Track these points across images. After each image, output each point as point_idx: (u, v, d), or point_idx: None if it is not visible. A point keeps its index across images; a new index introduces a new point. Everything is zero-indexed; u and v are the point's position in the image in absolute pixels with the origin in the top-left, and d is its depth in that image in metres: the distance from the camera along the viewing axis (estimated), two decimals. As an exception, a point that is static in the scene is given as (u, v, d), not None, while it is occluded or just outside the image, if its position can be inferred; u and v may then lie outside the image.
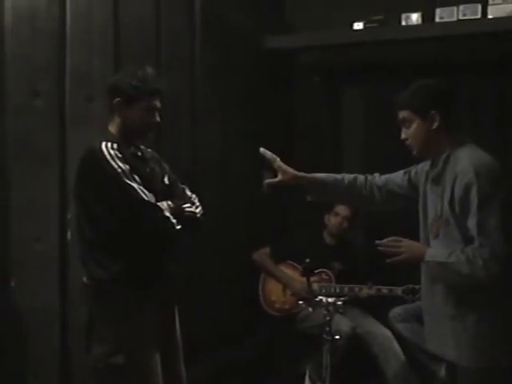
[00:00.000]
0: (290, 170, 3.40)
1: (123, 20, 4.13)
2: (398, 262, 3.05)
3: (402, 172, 3.45)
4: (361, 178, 3.48)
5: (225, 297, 5.17)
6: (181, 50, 4.75)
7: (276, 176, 3.42)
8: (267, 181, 3.39)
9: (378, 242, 3.08)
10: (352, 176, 3.49)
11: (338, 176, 3.50)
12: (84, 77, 3.86)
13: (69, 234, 3.70)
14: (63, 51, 3.74)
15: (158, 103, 3.21)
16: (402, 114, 3.10)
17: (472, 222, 2.87)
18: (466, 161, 2.93)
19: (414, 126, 3.07)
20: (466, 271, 2.84)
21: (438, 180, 3.07)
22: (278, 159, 3.42)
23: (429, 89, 3.11)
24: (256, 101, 5.66)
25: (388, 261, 3.06)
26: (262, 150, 3.40)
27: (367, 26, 5.36)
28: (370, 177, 3.49)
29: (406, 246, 3.06)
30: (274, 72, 5.88)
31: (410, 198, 3.33)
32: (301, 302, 4.48)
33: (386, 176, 3.47)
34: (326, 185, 3.49)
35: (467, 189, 2.87)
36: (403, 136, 3.13)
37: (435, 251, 3.01)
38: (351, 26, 5.43)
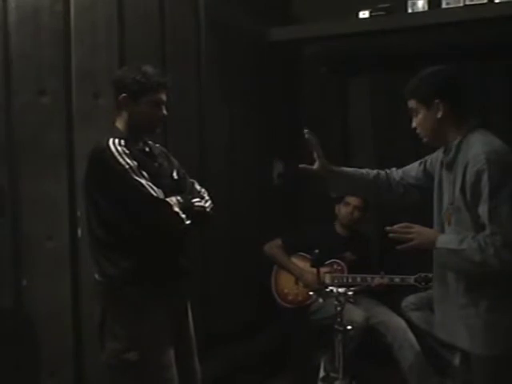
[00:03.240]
0: (327, 163, 3.38)
1: (128, 16, 4.12)
2: (408, 248, 3.03)
3: (417, 163, 3.44)
4: (382, 172, 3.47)
5: (237, 290, 5.17)
6: (186, 45, 4.74)
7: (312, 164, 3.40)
8: (302, 165, 3.34)
9: (388, 228, 3.05)
10: (375, 171, 3.48)
11: (363, 170, 3.49)
12: (90, 74, 3.85)
13: (79, 232, 3.70)
14: (68, 49, 3.74)
15: (163, 97, 3.20)
16: (410, 104, 3.10)
17: (483, 209, 2.84)
18: (478, 147, 2.91)
19: (421, 115, 3.06)
20: (477, 259, 2.82)
21: (450, 167, 3.05)
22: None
23: (432, 78, 3.09)
24: (262, 94, 5.64)
25: (398, 247, 3.04)
26: (307, 132, 3.36)
27: (373, 14, 5.33)
28: (388, 171, 3.48)
29: (417, 231, 3.03)
30: (280, 64, 5.87)
31: (426, 189, 3.30)
32: (312, 293, 4.49)
33: (403, 169, 3.46)
34: (354, 179, 3.47)
35: (478, 175, 2.85)
36: (413, 124, 3.13)
37: (447, 238, 2.99)
38: (357, 14, 5.39)
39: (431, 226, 3.19)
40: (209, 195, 3.36)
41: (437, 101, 3.00)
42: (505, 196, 2.82)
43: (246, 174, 5.40)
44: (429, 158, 3.37)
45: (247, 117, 5.46)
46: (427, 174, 3.34)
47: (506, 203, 2.81)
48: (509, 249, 2.78)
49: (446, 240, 2.97)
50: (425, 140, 3.14)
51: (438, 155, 3.24)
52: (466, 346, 3.01)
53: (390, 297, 5.02)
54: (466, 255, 2.86)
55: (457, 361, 3.53)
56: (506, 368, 2.94)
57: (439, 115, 3.01)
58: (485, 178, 2.84)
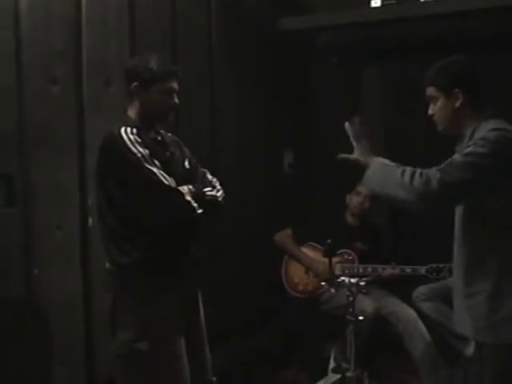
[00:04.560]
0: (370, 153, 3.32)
1: (139, 4, 4.11)
2: (348, 158, 3.07)
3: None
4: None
5: (248, 280, 5.17)
6: (197, 34, 4.73)
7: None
8: (342, 155, 3.27)
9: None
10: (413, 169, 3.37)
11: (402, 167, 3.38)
12: (101, 62, 3.85)
13: (90, 221, 3.70)
14: (79, 37, 3.73)
15: (175, 85, 3.20)
16: (429, 91, 3.09)
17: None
18: (483, 134, 2.89)
19: (439, 103, 3.05)
20: (402, 178, 2.80)
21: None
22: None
23: (452, 66, 3.08)
24: (274, 83, 5.63)
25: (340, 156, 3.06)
26: (355, 117, 3.29)
27: (385, 3, 5.30)
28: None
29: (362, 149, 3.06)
30: (291, 54, 5.85)
31: None
32: (323, 283, 4.49)
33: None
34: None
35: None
36: (430, 112, 3.12)
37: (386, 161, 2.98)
38: (369, 3, 5.37)
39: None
40: (220, 185, 3.35)
41: (456, 90, 2.99)
42: (472, 164, 2.78)
43: (256, 164, 5.39)
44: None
45: (258, 107, 5.45)
46: None
47: (468, 170, 2.77)
48: (441, 189, 2.72)
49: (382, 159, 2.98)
50: (440, 128, 3.12)
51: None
52: (472, 335, 3.00)
53: (400, 287, 5.01)
54: (394, 174, 2.84)
55: (469, 351, 3.52)
56: None
57: (458, 104, 3.00)
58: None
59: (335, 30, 5.71)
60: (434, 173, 2.77)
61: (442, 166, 2.80)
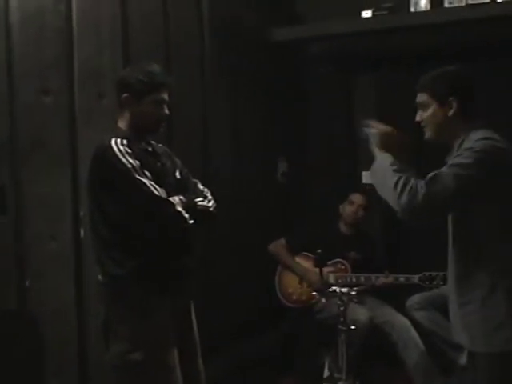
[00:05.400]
0: None
1: (131, 15, 4.13)
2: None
3: None
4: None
5: (241, 290, 5.16)
6: (189, 45, 4.75)
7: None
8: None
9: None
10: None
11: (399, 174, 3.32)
12: (93, 74, 3.86)
13: (82, 232, 3.70)
14: (71, 48, 3.74)
15: (166, 96, 3.20)
16: (421, 97, 3.08)
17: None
18: (471, 144, 2.90)
19: (431, 110, 3.05)
20: (395, 189, 2.79)
21: None
22: None
23: (449, 75, 3.09)
24: (267, 94, 5.64)
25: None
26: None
27: (376, 13, 5.33)
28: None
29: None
30: (284, 64, 5.86)
31: None
32: (315, 293, 4.50)
33: None
34: None
35: None
36: (418, 118, 3.11)
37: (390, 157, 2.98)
38: (360, 14, 5.39)
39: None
40: (212, 195, 3.35)
41: (451, 98, 3.00)
42: (459, 175, 2.79)
43: (249, 174, 5.40)
44: None
45: (251, 116, 5.46)
46: None
47: (454, 181, 2.78)
48: (425, 203, 2.73)
49: (386, 156, 2.98)
50: (428, 135, 3.12)
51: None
52: (466, 344, 3.01)
53: (394, 296, 5.02)
54: (389, 182, 2.84)
55: (463, 360, 3.52)
56: (508, 365, 2.93)
57: (450, 113, 3.00)
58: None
59: (328, 40, 5.72)
60: (421, 186, 2.77)
61: (428, 177, 2.80)
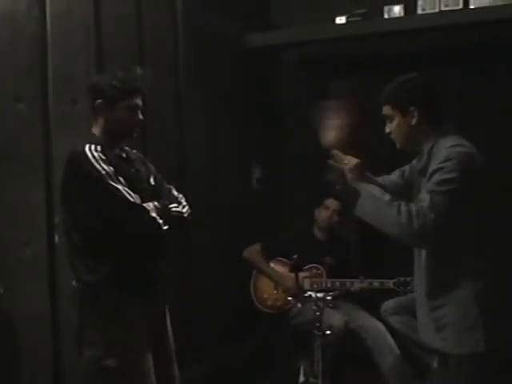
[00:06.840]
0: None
1: (105, 20, 4.12)
2: (335, 167, 3.17)
3: (397, 171, 3.43)
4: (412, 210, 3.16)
5: (216, 295, 5.16)
6: (164, 50, 4.74)
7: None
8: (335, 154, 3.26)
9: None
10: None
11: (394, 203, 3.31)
12: (67, 79, 3.85)
13: (56, 238, 3.69)
14: (45, 54, 3.73)
15: (139, 102, 3.19)
16: (385, 110, 3.10)
17: (425, 194, 2.86)
18: (446, 153, 2.91)
19: (395, 121, 3.06)
20: (399, 218, 2.81)
21: (424, 172, 3.05)
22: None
23: (408, 85, 3.09)
24: (241, 99, 5.65)
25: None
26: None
27: (350, 19, 5.35)
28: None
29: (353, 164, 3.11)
30: (258, 70, 5.87)
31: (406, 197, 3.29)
32: (290, 298, 4.50)
33: (387, 177, 3.45)
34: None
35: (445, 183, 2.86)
36: (387, 130, 3.13)
37: (373, 186, 3.01)
38: (334, 20, 5.41)
39: None
40: (186, 200, 3.35)
41: (412, 108, 3.01)
42: (453, 193, 2.82)
43: (224, 179, 5.40)
44: (407, 167, 3.37)
45: (226, 121, 5.46)
46: (406, 182, 3.33)
47: (450, 199, 2.82)
48: (434, 228, 2.77)
49: (372, 187, 2.99)
50: (398, 146, 3.14)
51: (415, 162, 3.24)
52: (439, 346, 3.02)
53: (369, 301, 5.03)
54: (389, 212, 2.87)
55: (435, 363, 3.54)
56: (480, 367, 2.95)
57: (413, 122, 3.01)
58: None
59: (302, 46, 5.74)
60: (425, 212, 2.78)
61: (424, 203, 2.81)
